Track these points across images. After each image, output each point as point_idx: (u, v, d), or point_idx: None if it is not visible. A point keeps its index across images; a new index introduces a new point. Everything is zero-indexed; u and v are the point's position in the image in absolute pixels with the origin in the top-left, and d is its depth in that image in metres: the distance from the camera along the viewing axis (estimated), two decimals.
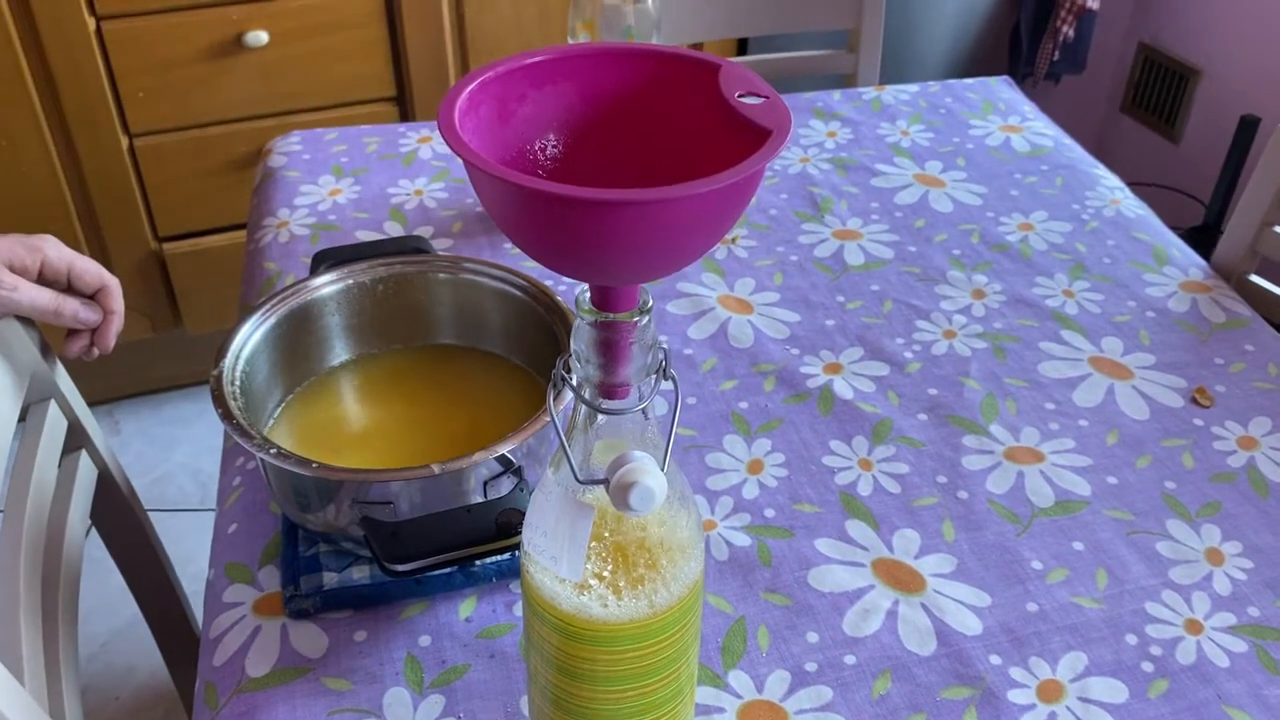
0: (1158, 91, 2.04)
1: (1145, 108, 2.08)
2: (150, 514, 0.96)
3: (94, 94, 1.48)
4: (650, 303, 0.41)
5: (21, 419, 0.79)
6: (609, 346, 0.41)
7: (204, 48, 1.50)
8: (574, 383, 0.43)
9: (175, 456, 1.73)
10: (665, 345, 0.43)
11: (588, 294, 0.41)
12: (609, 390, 0.42)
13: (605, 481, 0.42)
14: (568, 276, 0.39)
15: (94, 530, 0.92)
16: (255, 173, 1.09)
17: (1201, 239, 1.80)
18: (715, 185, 0.33)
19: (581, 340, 0.41)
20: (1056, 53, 1.97)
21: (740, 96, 0.38)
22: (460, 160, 1.12)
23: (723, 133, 0.36)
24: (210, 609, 0.66)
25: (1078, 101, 2.16)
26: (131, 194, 1.58)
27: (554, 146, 0.41)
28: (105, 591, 1.38)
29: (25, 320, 0.77)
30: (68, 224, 1.57)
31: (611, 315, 0.40)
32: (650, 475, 0.42)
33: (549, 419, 0.59)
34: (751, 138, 0.36)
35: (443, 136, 0.35)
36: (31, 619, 0.67)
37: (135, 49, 1.48)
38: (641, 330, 0.41)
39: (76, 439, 0.84)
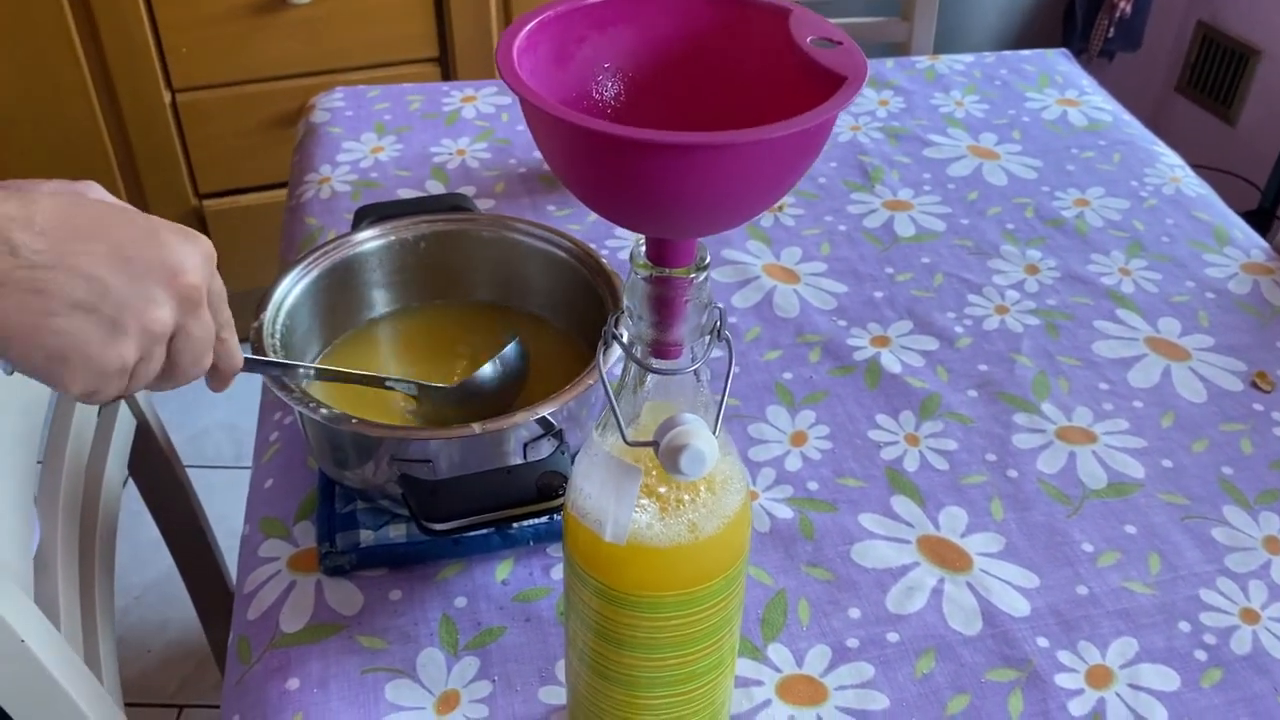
0: (1215, 72, 1.99)
1: (1201, 88, 2.02)
2: (186, 470, 0.96)
3: (138, 49, 1.48)
4: (707, 259, 0.40)
5: None
6: (663, 303, 0.39)
7: (248, 4, 1.49)
8: (625, 340, 0.41)
9: (213, 414, 1.73)
10: (720, 305, 0.41)
11: (643, 247, 0.39)
12: (661, 349, 0.41)
13: (655, 444, 0.41)
14: (624, 226, 0.38)
15: (132, 483, 0.92)
16: (297, 129, 1.08)
17: (1256, 223, 1.75)
18: (790, 130, 0.32)
19: (635, 296, 0.40)
20: (1112, 29, 1.93)
21: (811, 42, 0.36)
22: (504, 119, 1.10)
23: (793, 80, 0.35)
24: (245, 563, 0.65)
25: (1132, 80, 2.11)
26: (173, 150, 1.58)
27: (614, 92, 0.40)
28: (141, 544, 1.39)
29: None
30: (110, 179, 1.57)
31: (668, 270, 0.39)
32: (702, 438, 0.40)
33: (597, 377, 0.58)
34: (823, 85, 0.34)
35: (500, 74, 0.34)
36: (69, 565, 0.67)
37: (180, 4, 1.47)
38: (697, 287, 0.40)
39: None
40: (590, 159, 0.34)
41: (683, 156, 0.32)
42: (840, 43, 0.36)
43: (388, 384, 0.63)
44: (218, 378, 0.51)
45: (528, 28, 0.37)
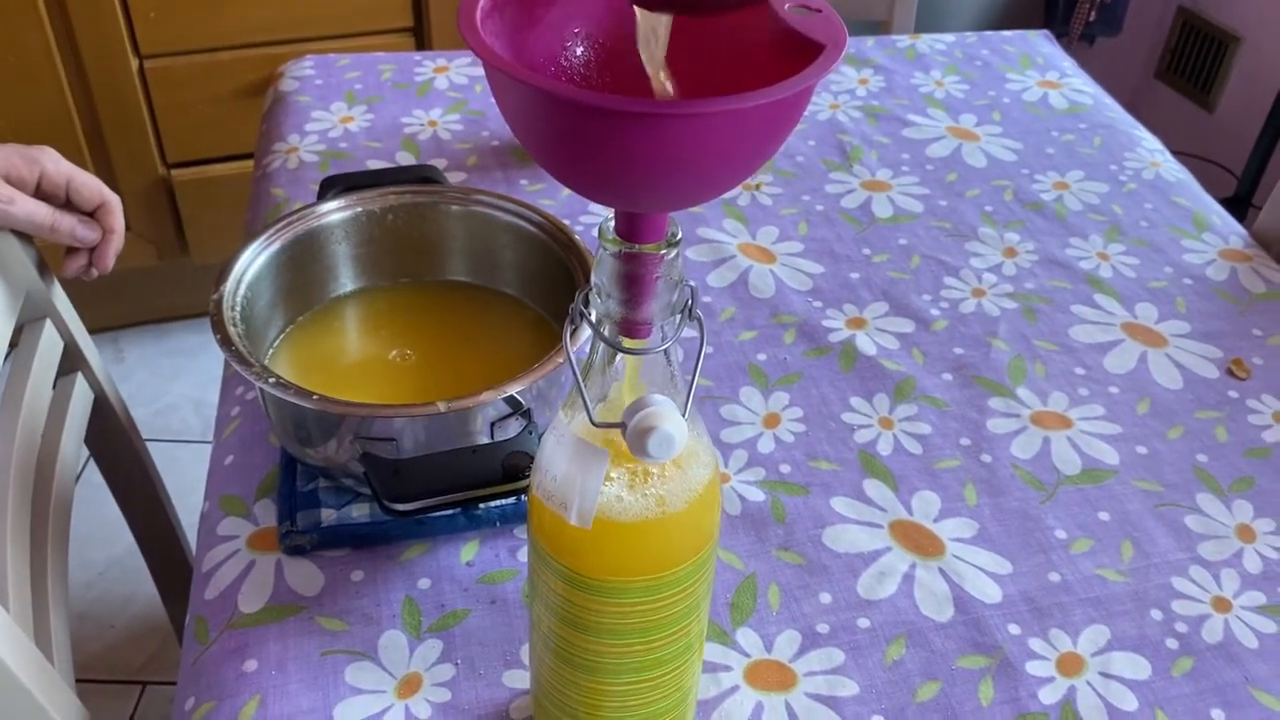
0: (1195, 58, 1.98)
1: (1181, 74, 2.02)
2: (152, 444, 0.94)
3: (104, 13, 1.44)
4: (679, 235, 0.38)
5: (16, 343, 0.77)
6: (633, 280, 0.38)
7: None
8: (593, 319, 0.40)
9: (178, 387, 1.71)
10: (692, 284, 0.40)
11: (612, 222, 0.38)
12: (630, 328, 0.39)
13: (622, 425, 0.40)
14: (592, 199, 0.36)
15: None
16: (265, 97, 1.06)
17: (1232, 210, 1.76)
18: (765, 99, 0.30)
19: (603, 273, 0.38)
20: (1093, 13, 1.92)
21: (790, 8, 0.35)
22: (477, 90, 1.07)
23: (769, 47, 0.33)
24: (204, 542, 0.64)
25: (1112, 65, 2.10)
26: (140, 117, 1.55)
27: (584, 58, 0.38)
28: (105, 519, 1.37)
29: (22, 236, 0.74)
30: (75, 146, 1.54)
31: (637, 246, 0.37)
32: (671, 421, 0.39)
33: (564, 357, 0.56)
34: (801, 53, 0.33)
35: (461, 35, 0.32)
36: (19, 541, 0.65)
37: None
38: (668, 264, 0.38)
39: (72, 361, 0.81)
40: (555, 126, 0.33)
41: (652, 125, 0.31)
42: (819, 10, 0.35)
43: None
44: None
45: None
